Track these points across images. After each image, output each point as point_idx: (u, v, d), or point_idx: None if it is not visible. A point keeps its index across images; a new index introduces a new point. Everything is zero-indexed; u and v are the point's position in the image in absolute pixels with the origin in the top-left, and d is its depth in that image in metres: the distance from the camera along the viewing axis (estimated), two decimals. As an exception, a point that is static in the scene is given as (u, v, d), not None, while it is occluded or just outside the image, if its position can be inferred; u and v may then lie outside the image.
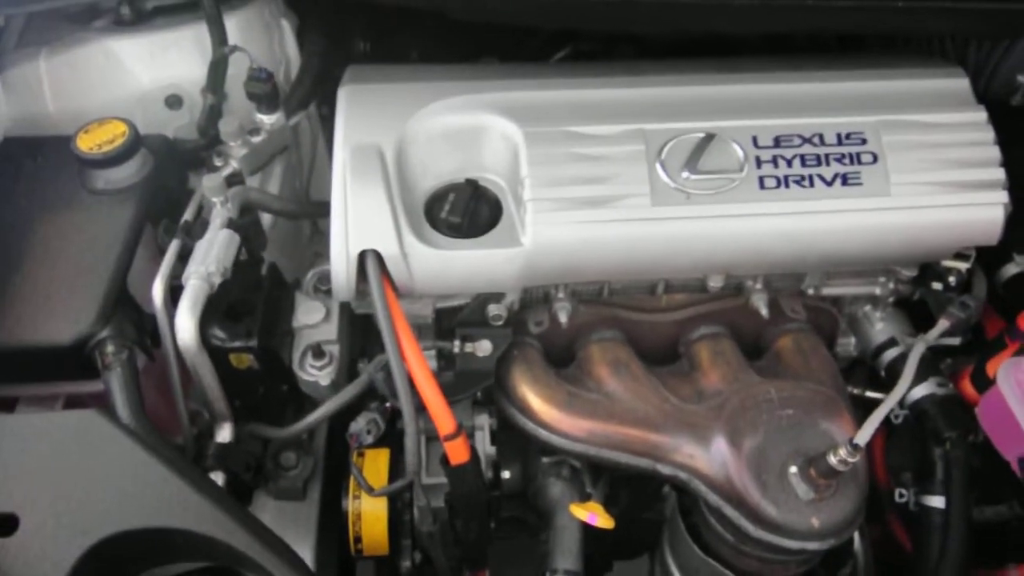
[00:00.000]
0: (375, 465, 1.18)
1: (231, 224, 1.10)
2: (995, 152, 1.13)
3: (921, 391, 1.21)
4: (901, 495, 1.22)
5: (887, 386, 1.11)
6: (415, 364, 1.03)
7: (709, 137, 1.11)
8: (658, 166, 1.10)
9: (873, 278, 1.26)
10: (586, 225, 1.08)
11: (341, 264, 1.05)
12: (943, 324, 1.19)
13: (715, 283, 1.20)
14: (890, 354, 1.27)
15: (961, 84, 1.20)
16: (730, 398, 1.12)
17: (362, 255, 1.05)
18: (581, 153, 1.10)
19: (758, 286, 1.22)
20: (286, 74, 1.40)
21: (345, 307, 1.19)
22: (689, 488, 1.11)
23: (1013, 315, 1.21)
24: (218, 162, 1.24)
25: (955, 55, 1.29)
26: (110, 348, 0.99)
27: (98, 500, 0.83)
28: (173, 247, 1.09)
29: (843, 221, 1.11)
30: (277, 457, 1.18)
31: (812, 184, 1.11)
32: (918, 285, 1.24)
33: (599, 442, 1.13)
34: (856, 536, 1.18)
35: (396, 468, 1.18)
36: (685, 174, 1.10)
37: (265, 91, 1.23)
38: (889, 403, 1.04)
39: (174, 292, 1.04)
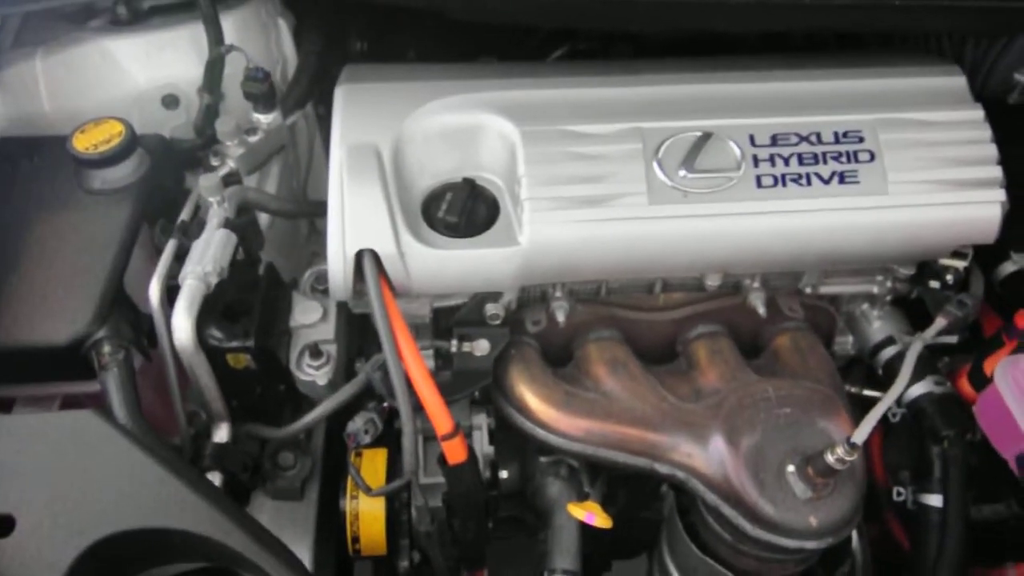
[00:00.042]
0: (373, 465, 1.18)
1: (228, 224, 1.10)
2: (992, 150, 1.13)
3: (919, 389, 1.21)
4: (899, 494, 1.22)
5: (885, 384, 1.11)
6: (412, 364, 1.03)
7: (706, 136, 1.11)
8: (655, 165, 1.10)
9: (871, 276, 1.26)
10: (583, 224, 1.07)
11: (338, 264, 1.05)
12: (940, 322, 1.19)
13: (713, 282, 1.20)
14: (888, 352, 1.27)
15: (958, 82, 1.20)
16: (728, 397, 1.12)
17: (359, 254, 1.05)
18: (578, 152, 1.10)
19: (756, 285, 1.22)
20: (283, 73, 1.39)
21: (342, 307, 1.18)
22: (687, 487, 1.11)
23: (1011, 313, 1.21)
24: (215, 162, 1.24)
25: (952, 53, 1.29)
26: (106, 348, 0.99)
27: (95, 501, 0.82)
28: (170, 247, 1.08)
29: (840, 219, 1.11)
30: (275, 457, 1.18)
31: (809, 183, 1.11)
32: (916, 283, 1.24)
33: (597, 441, 1.13)
34: (854, 535, 1.18)
35: (394, 468, 1.18)
36: (682, 173, 1.10)
37: (262, 91, 1.22)
38: (886, 402, 1.04)
39: (171, 292, 1.04)
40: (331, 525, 1.19)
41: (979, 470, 1.19)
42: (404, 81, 1.19)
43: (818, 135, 1.12)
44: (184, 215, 1.14)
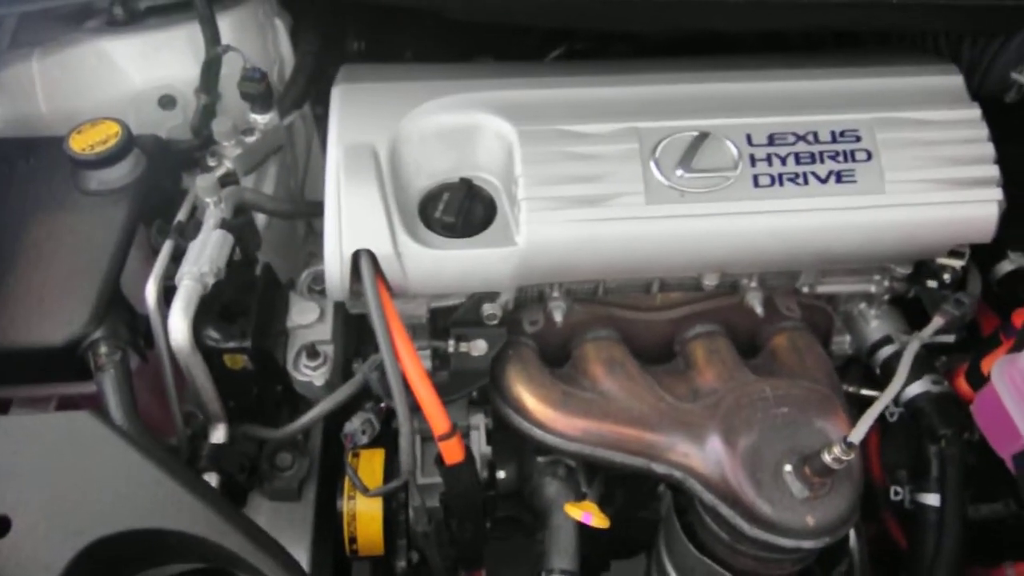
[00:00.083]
0: (370, 465, 1.18)
1: (224, 224, 1.10)
2: (989, 149, 1.13)
3: (916, 389, 1.21)
4: (896, 493, 1.22)
5: (882, 384, 1.11)
6: (409, 364, 1.02)
7: (703, 135, 1.11)
8: (652, 164, 1.10)
9: (868, 276, 1.26)
10: (580, 224, 1.07)
11: (335, 264, 1.05)
12: (938, 322, 1.19)
13: (710, 281, 1.19)
14: (885, 352, 1.27)
15: (955, 81, 1.20)
16: (725, 396, 1.12)
17: (356, 255, 1.04)
18: (575, 152, 1.10)
19: (753, 284, 1.22)
20: (280, 74, 1.40)
21: (339, 307, 1.18)
22: (684, 487, 1.11)
23: (1008, 312, 1.21)
24: (212, 162, 1.23)
25: (949, 52, 1.29)
26: (103, 349, 0.99)
27: (91, 501, 0.82)
28: (166, 248, 1.08)
29: (837, 219, 1.11)
30: (272, 458, 1.18)
31: (806, 182, 1.11)
32: (913, 283, 1.24)
33: (594, 441, 1.13)
34: (852, 534, 1.18)
35: (391, 468, 1.18)
36: (679, 172, 1.10)
37: (259, 91, 1.22)
38: (883, 401, 1.04)
39: (168, 293, 1.04)
40: (329, 526, 1.18)
41: (977, 469, 1.19)
42: (401, 81, 1.19)
43: (815, 134, 1.12)
44: (181, 216, 1.14)
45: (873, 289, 1.26)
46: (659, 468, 1.12)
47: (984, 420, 1.10)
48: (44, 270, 1.05)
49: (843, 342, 1.33)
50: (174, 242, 1.09)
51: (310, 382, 1.12)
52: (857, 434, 0.98)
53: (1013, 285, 1.27)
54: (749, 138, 1.12)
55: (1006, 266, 1.27)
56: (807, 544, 1.04)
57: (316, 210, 1.16)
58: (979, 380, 1.18)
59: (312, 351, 1.13)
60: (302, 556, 1.15)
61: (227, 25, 1.26)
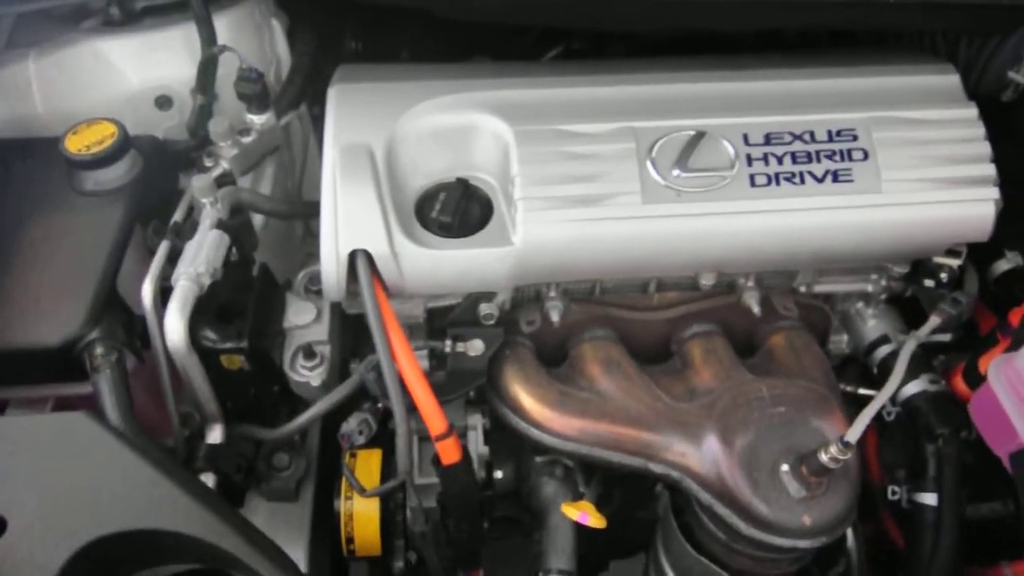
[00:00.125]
0: (367, 466, 1.17)
1: (221, 225, 1.10)
2: (986, 148, 1.13)
3: (913, 388, 1.21)
4: (894, 492, 1.22)
5: (880, 383, 1.11)
6: (406, 364, 1.03)
7: (700, 135, 1.11)
8: (649, 164, 1.10)
9: (865, 275, 1.26)
10: (577, 224, 1.07)
11: (331, 264, 1.05)
12: (934, 321, 1.19)
13: (707, 281, 1.19)
14: (882, 351, 1.27)
15: (952, 80, 1.20)
16: (722, 396, 1.12)
17: (352, 255, 1.04)
18: (571, 151, 1.10)
19: (750, 284, 1.22)
20: (277, 74, 1.39)
21: (336, 307, 1.18)
22: (681, 487, 1.11)
23: (1005, 311, 1.21)
24: (208, 163, 1.23)
25: (946, 51, 1.29)
26: (99, 350, 0.99)
27: (87, 502, 0.82)
28: (163, 248, 1.08)
29: (834, 218, 1.11)
30: (270, 458, 1.18)
31: (803, 181, 1.11)
32: (910, 282, 1.24)
33: (591, 441, 1.13)
34: (849, 533, 1.18)
35: (388, 469, 1.18)
36: (676, 172, 1.10)
37: (255, 91, 1.22)
38: (880, 400, 1.04)
39: (164, 293, 1.04)
40: (326, 526, 1.18)
41: (975, 468, 1.19)
42: (397, 81, 1.19)
43: (812, 134, 1.12)
44: (177, 216, 1.14)
45: (870, 288, 1.26)
46: (656, 468, 1.12)
47: (981, 419, 1.09)
48: (40, 271, 1.05)
49: (840, 341, 1.33)
50: (170, 243, 1.09)
51: (307, 382, 1.12)
52: (853, 433, 0.98)
53: (1010, 284, 1.27)
54: (746, 137, 1.12)
55: (1003, 265, 1.27)
56: (803, 544, 1.04)
57: (313, 210, 1.16)
58: (976, 379, 1.18)
59: (309, 351, 1.13)
60: (299, 556, 1.15)
61: (224, 25, 1.27)
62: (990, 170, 1.12)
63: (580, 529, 1.17)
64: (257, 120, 1.26)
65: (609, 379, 1.16)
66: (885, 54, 1.30)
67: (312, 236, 1.45)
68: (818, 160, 1.11)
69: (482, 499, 1.20)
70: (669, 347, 1.24)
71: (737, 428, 1.08)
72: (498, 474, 1.24)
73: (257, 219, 1.26)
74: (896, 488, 1.22)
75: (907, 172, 1.11)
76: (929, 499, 1.17)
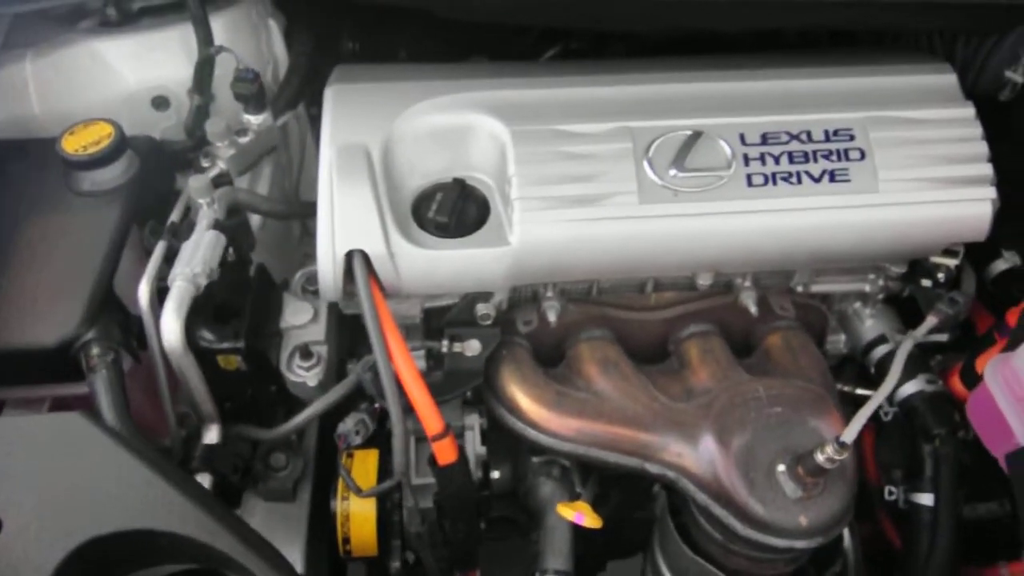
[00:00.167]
0: (364, 466, 1.17)
1: (217, 225, 1.10)
2: (983, 148, 1.13)
3: (910, 388, 1.21)
4: (891, 492, 1.22)
5: (877, 383, 1.11)
6: (402, 364, 1.03)
7: (696, 135, 1.11)
8: (645, 164, 1.10)
9: (862, 275, 1.25)
10: (574, 224, 1.07)
11: (328, 264, 1.05)
12: (931, 321, 1.19)
13: (704, 281, 1.19)
14: (880, 351, 1.26)
15: (949, 80, 1.20)
16: (719, 396, 1.12)
17: (349, 255, 1.04)
18: (568, 151, 1.10)
19: (747, 284, 1.21)
20: (274, 74, 1.39)
21: (333, 307, 1.18)
22: (677, 487, 1.11)
23: (1003, 311, 1.21)
24: (205, 163, 1.24)
25: (943, 51, 1.29)
26: (95, 350, 0.99)
27: (82, 502, 0.82)
28: (159, 249, 1.08)
29: (831, 218, 1.11)
30: (267, 458, 1.18)
31: (800, 181, 1.10)
32: (907, 282, 1.24)
33: (587, 441, 1.13)
34: (846, 534, 1.17)
35: (385, 469, 1.17)
36: (672, 172, 1.09)
37: (251, 91, 1.22)
38: (876, 400, 1.04)
39: (161, 294, 1.04)
40: (324, 526, 1.18)
41: (972, 469, 1.18)
42: (394, 81, 1.19)
43: (808, 133, 1.12)
44: (174, 216, 1.14)
45: (867, 288, 1.26)
46: (652, 468, 1.12)
47: (978, 419, 1.09)
48: (37, 271, 1.05)
49: (838, 341, 1.33)
50: (167, 243, 1.09)
51: (303, 383, 1.12)
52: (849, 434, 0.98)
53: (1007, 284, 1.27)
54: (742, 137, 1.12)
55: (1000, 265, 1.27)
56: (800, 544, 1.04)
57: (310, 211, 1.16)
58: (973, 379, 1.18)
59: (305, 352, 1.13)
60: (296, 557, 1.15)
61: (220, 26, 1.26)
62: (987, 170, 1.12)
63: (577, 529, 1.17)
64: (254, 120, 1.26)
65: (606, 379, 1.16)
66: (882, 54, 1.30)
67: (310, 236, 1.44)
68: (815, 160, 1.11)
69: (479, 499, 1.20)
70: (666, 347, 1.24)
71: (734, 428, 1.08)
72: (495, 474, 1.24)
73: (255, 219, 1.26)
74: (893, 488, 1.22)
75: (904, 172, 1.11)
76: (926, 499, 1.17)
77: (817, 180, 1.10)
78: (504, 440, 1.22)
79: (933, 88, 1.19)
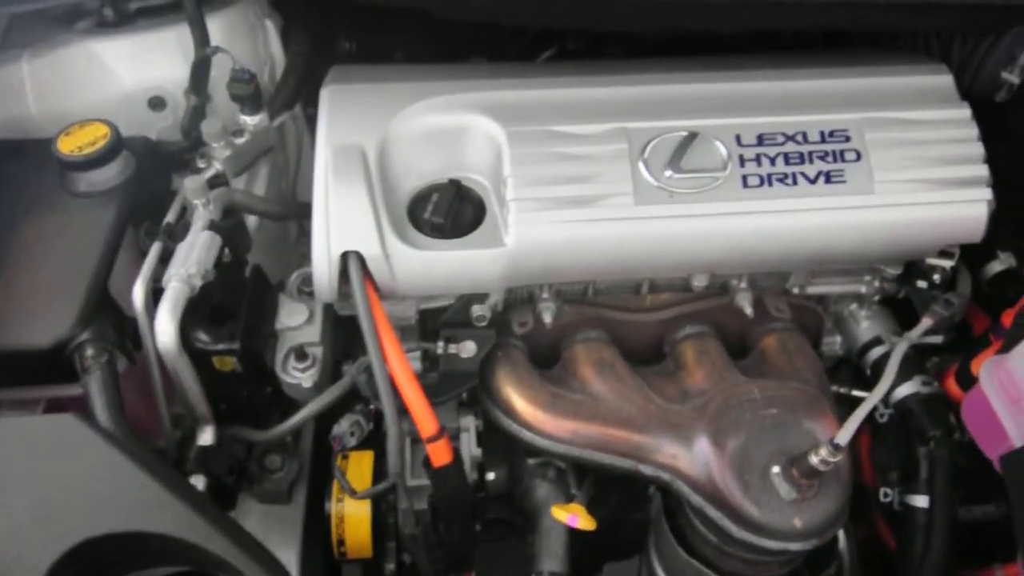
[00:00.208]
0: (359, 468, 1.18)
1: (212, 226, 1.10)
2: (979, 149, 1.13)
3: (906, 390, 1.21)
4: (886, 494, 1.22)
5: (873, 385, 1.11)
6: (397, 366, 1.02)
7: (692, 136, 1.11)
8: (641, 165, 1.10)
9: (858, 276, 1.25)
10: (569, 225, 1.07)
11: (323, 266, 1.05)
12: (926, 322, 1.19)
13: (700, 282, 1.19)
14: (875, 353, 1.27)
15: (945, 81, 1.20)
16: (714, 398, 1.12)
17: (344, 256, 1.04)
18: (564, 152, 1.10)
19: (743, 285, 1.21)
20: (271, 75, 1.39)
21: (329, 308, 1.18)
22: (672, 489, 1.11)
23: (998, 312, 1.21)
24: (201, 164, 1.23)
25: (940, 52, 1.29)
26: (89, 352, 0.98)
27: (74, 504, 0.82)
28: (154, 249, 1.08)
29: (827, 219, 1.10)
30: (262, 460, 1.18)
31: (795, 182, 1.10)
32: (903, 283, 1.24)
33: (582, 443, 1.13)
34: (841, 536, 1.17)
35: (381, 470, 1.18)
36: (668, 173, 1.09)
37: (248, 92, 1.22)
38: (870, 402, 1.04)
39: (156, 295, 1.04)
40: (319, 528, 1.18)
41: (970, 471, 1.18)
42: (390, 82, 1.18)
43: (804, 134, 1.12)
44: (169, 217, 1.14)
45: (863, 290, 1.26)
46: (647, 470, 1.12)
47: (972, 421, 1.09)
48: (32, 272, 1.05)
49: (834, 343, 1.33)
50: (162, 244, 1.09)
51: (298, 384, 1.12)
52: (843, 436, 0.98)
53: (1003, 285, 1.27)
54: (738, 138, 1.12)
55: (996, 266, 1.28)
56: (794, 546, 1.04)
57: (307, 211, 1.15)
58: (969, 381, 1.18)
59: (300, 353, 1.12)
60: (291, 559, 1.15)
61: (217, 26, 1.26)
62: (983, 171, 1.12)
63: (573, 531, 1.16)
64: (250, 121, 1.25)
65: (601, 381, 1.16)
66: (878, 55, 1.30)
67: (307, 237, 1.44)
68: (811, 161, 1.11)
69: (475, 501, 1.20)
70: (662, 348, 1.24)
71: (729, 430, 1.08)
72: (491, 476, 1.25)
73: (251, 220, 1.26)
74: (888, 490, 1.22)
75: (900, 173, 1.11)
76: (921, 501, 1.17)
77: (813, 181, 1.10)
78: (500, 442, 1.22)
79: (929, 89, 1.19)
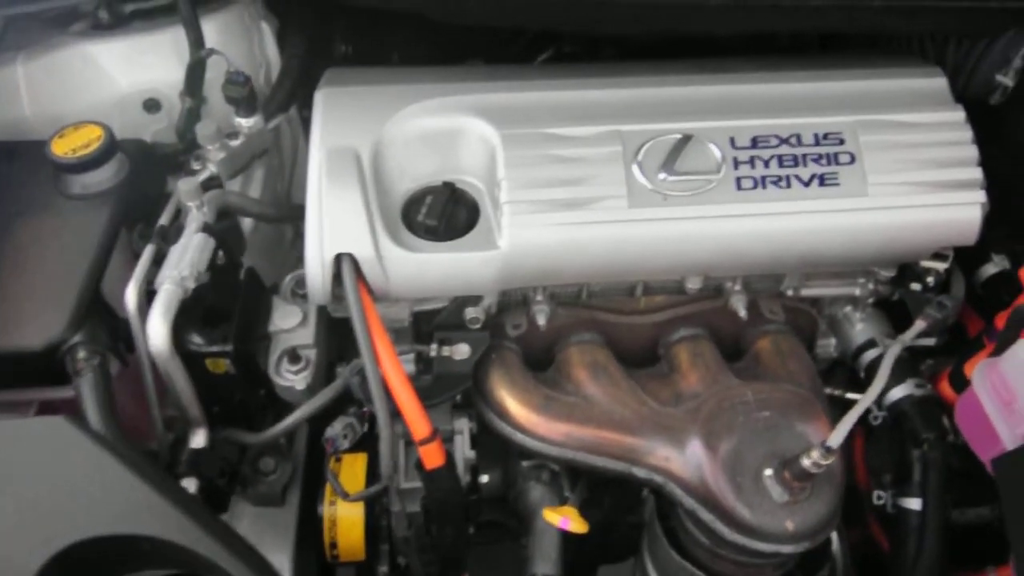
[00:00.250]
0: (352, 470, 1.18)
1: (206, 228, 1.10)
2: (973, 151, 1.13)
3: (899, 392, 1.21)
4: (879, 497, 1.22)
5: (867, 387, 1.11)
6: (390, 368, 1.02)
7: (686, 138, 1.11)
8: (635, 168, 1.10)
9: (852, 279, 1.25)
10: (563, 227, 1.07)
11: (316, 268, 1.05)
12: (920, 325, 1.19)
13: (694, 285, 1.19)
14: (869, 355, 1.26)
15: (939, 83, 1.20)
16: (707, 400, 1.11)
17: (337, 259, 1.04)
18: (558, 155, 1.10)
19: (737, 287, 1.21)
20: (267, 77, 1.39)
21: (322, 311, 1.18)
22: (665, 491, 1.11)
23: (992, 315, 1.21)
24: (196, 166, 1.23)
25: (934, 54, 1.29)
26: (81, 354, 0.98)
27: (64, 506, 0.82)
28: (148, 252, 1.08)
29: (821, 222, 1.11)
30: (255, 463, 1.17)
31: (789, 185, 1.10)
32: (897, 286, 1.24)
33: (575, 445, 1.13)
34: (834, 538, 1.17)
35: (374, 473, 1.17)
36: (662, 175, 1.09)
37: (242, 94, 1.22)
38: (862, 405, 1.04)
39: (150, 297, 1.04)
40: (312, 531, 1.18)
41: (963, 473, 1.18)
42: (385, 85, 1.19)
43: (798, 137, 1.12)
44: (163, 219, 1.14)
45: (857, 292, 1.26)
46: (640, 472, 1.11)
47: (965, 424, 1.09)
48: (25, 274, 1.05)
49: (828, 345, 1.33)
50: (156, 246, 1.09)
51: (291, 386, 1.12)
52: (836, 438, 0.98)
53: (997, 288, 1.26)
54: (732, 141, 1.12)
55: (990, 269, 1.28)
56: (786, 549, 1.04)
57: (302, 214, 1.15)
58: (962, 383, 1.17)
59: (294, 355, 1.12)
60: (284, 562, 1.14)
61: (212, 28, 1.26)
62: (977, 174, 1.12)
63: (567, 534, 1.16)
64: (245, 123, 1.25)
65: (595, 383, 1.15)
66: (872, 57, 1.30)
67: (302, 239, 1.44)
68: (804, 164, 1.11)
69: (468, 503, 1.20)
70: (656, 351, 1.24)
71: (721, 433, 1.08)
72: (484, 478, 1.24)
73: (246, 222, 1.26)
74: (882, 493, 1.22)
75: (894, 176, 1.11)
76: (914, 504, 1.17)
77: (807, 184, 1.10)
78: (494, 444, 1.22)
79: (923, 92, 1.19)
